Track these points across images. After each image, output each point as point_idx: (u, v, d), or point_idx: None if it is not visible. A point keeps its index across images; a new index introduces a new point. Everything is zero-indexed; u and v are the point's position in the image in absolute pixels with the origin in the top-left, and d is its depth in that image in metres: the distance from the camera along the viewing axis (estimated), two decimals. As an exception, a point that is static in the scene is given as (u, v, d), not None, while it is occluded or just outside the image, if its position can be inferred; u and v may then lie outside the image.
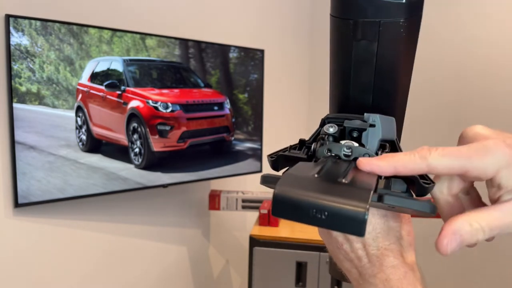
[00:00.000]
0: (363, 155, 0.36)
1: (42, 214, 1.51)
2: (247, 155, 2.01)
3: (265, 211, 1.89)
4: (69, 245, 1.61)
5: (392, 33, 0.37)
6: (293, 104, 2.48)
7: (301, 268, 1.75)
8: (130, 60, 1.59)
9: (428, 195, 0.37)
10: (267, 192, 2.00)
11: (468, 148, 0.33)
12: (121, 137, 1.59)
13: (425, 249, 1.87)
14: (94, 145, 1.54)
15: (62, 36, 1.41)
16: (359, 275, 0.39)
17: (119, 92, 1.57)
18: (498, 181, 0.32)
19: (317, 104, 2.49)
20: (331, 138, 0.39)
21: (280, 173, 0.36)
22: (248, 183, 2.20)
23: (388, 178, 0.36)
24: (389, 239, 0.38)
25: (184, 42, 1.73)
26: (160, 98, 1.65)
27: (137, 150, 1.63)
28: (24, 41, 1.35)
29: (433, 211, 0.33)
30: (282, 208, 0.29)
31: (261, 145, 2.05)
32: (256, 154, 2.04)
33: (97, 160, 1.54)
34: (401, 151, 0.40)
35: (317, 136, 0.40)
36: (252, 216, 2.21)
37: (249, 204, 1.97)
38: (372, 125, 0.38)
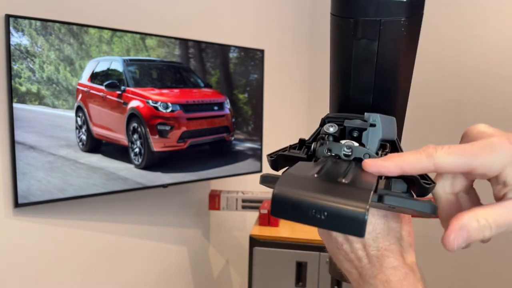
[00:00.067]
0: (363, 155, 0.36)
1: (42, 214, 1.51)
2: (247, 155, 2.01)
3: (265, 211, 1.89)
4: (69, 245, 1.60)
5: (393, 32, 0.36)
6: (293, 104, 2.48)
7: (301, 268, 1.75)
8: (130, 60, 1.58)
9: (429, 196, 0.36)
10: (267, 192, 2.00)
11: (472, 146, 0.33)
12: (121, 137, 1.59)
13: (425, 249, 1.88)
14: (94, 145, 1.53)
15: (62, 36, 1.41)
16: (359, 275, 0.38)
17: (119, 92, 1.57)
18: (504, 178, 0.32)
19: (317, 104, 2.49)
20: (331, 138, 0.39)
21: (279, 173, 0.35)
22: (248, 183, 2.20)
23: (388, 178, 0.35)
24: (389, 240, 0.38)
25: (184, 42, 1.73)
26: (160, 98, 1.65)
27: (137, 150, 1.63)
28: (24, 41, 1.34)
29: (434, 212, 0.33)
30: (282, 208, 0.29)
31: (261, 145, 2.05)
32: (256, 154, 2.04)
33: (97, 160, 1.54)
34: (401, 151, 0.39)
35: (317, 136, 0.40)
36: (252, 216, 2.21)
37: (249, 204, 1.96)
38: (373, 125, 0.38)
